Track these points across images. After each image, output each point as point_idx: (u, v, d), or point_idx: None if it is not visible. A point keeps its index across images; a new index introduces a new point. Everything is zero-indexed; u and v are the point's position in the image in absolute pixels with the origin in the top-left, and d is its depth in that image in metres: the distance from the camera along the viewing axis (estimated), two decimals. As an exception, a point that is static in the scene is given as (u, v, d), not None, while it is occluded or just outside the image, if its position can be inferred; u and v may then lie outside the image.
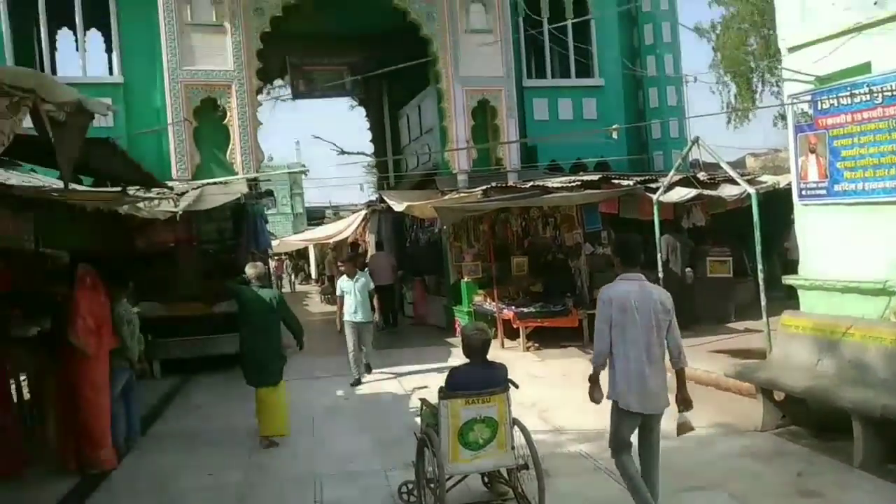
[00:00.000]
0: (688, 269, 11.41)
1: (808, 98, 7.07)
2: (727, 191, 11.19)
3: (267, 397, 6.55)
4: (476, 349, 4.54)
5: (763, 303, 7.65)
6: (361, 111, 19.80)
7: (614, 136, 12.39)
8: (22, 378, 6.84)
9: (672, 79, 15.78)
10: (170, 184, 10.08)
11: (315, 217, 33.69)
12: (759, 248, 7.80)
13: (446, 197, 12.11)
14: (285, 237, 30.23)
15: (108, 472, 5.89)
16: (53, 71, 12.09)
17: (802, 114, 7.15)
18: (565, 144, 14.12)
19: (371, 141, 19.01)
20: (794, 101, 7.27)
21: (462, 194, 12.07)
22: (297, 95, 16.13)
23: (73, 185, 6.42)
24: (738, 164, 15.56)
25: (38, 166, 6.73)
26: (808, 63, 7.22)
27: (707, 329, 10.55)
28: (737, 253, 12.10)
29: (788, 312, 6.78)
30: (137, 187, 6.48)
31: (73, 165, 4.35)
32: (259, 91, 14.15)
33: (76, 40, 12.13)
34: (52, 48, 12.54)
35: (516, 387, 4.54)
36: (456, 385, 4.42)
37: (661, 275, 9.69)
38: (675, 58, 15.89)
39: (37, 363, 6.36)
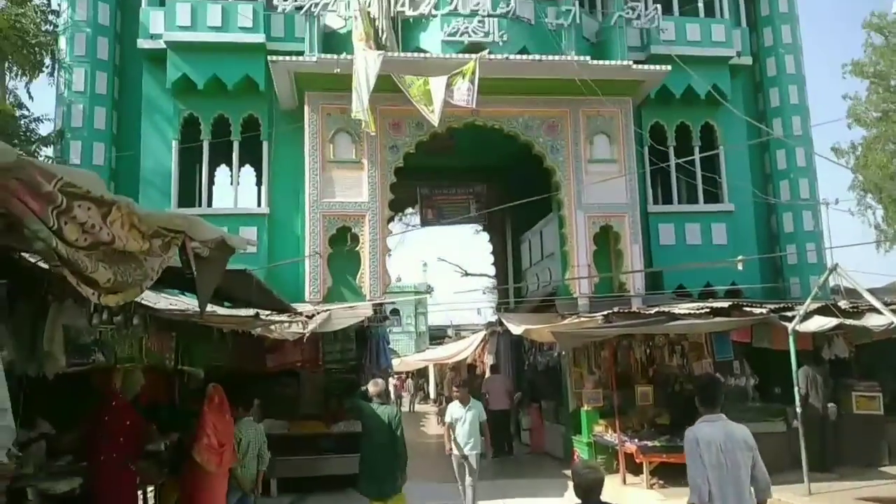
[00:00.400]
0: (830, 405, 10.44)
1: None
2: (873, 321, 10.29)
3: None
4: (587, 489, 4.32)
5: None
6: (485, 235, 20.39)
7: (739, 267, 11.88)
8: (149, 489, 7.25)
9: (808, 203, 15.18)
10: (301, 306, 10.80)
11: (437, 337, 34.20)
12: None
13: (566, 321, 11.99)
14: (407, 356, 30.77)
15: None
16: (210, 203, 13.59)
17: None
18: (693, 270, 13.73)
19: (493, 264, 19.42)
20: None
21: (582, 319, 11.90)
22: (425, 223, 16.96)
23: (212, 308, 7.05)
24: (889, 291, 14.39)
25: (185, 291, 7.42)
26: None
27: (854, 472, 9.53)
28: (888, 387, 10.97)
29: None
30: (269, 312, 6.98)
31: (209, 296, 4.83)
32: (390, 220, 15.06)
33: (231, 176, 13.61)
34: (211, 183, 14.13)
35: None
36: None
37: (798, 409, 8.94)
38: (810, 182, 15.38)
39: (163, 476, 6.75)
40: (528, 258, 16.92)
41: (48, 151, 13.16)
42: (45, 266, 3.92)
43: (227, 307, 7.80)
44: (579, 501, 4.37)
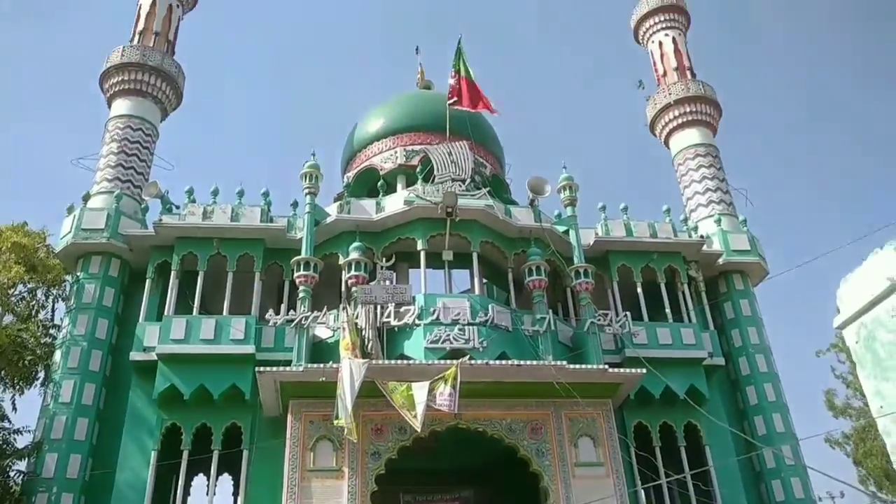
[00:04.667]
0: None
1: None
2: None
3: None
4: None
5: None
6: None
7: None
8: None
9: (804, 501, 14.71)
10: None
11: None
12: None
13: None
14: None
15: None
16: (182, 517, 12.96)
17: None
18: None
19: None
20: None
21: None
22: (408, 534, 15.99)
23: None
24: None
25: None
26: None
27: None
28: None
29: None
30: None
31: None
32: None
33: (208, 486, 13.18)
34: (186, 494, 13.61)
35: None
36: None
37: None
38: (803, 481, 15.06)
39: None
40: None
41: (21, 466, 12.84)
42: None
43: None
44: None
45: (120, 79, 17.75)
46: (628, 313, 14.96)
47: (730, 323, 16.96)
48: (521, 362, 13.03)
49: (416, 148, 18.27)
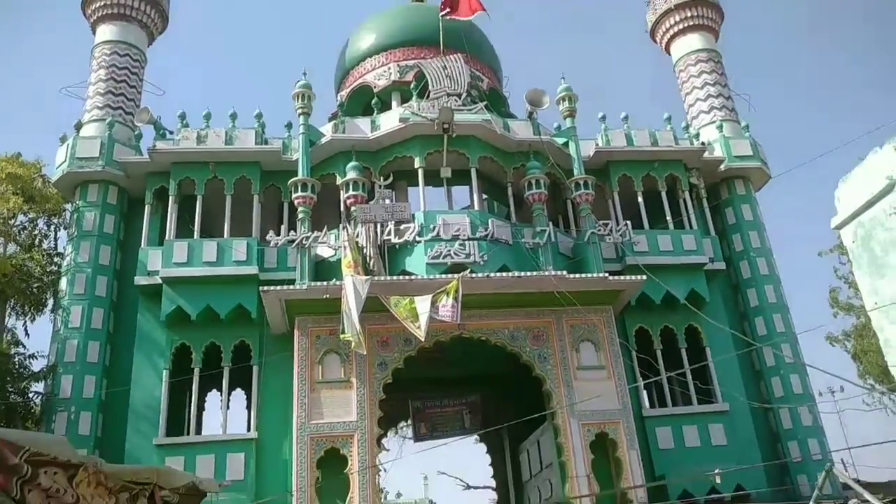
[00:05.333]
0: None
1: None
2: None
3: None
4: None
5: None
6: (483, 445, 19.81)
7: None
8: None
9: (801, 396, 15.11)
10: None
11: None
12: None
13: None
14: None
15: None
16: (199, 431, 13.50)
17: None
18: (698, 475, 13.28)
19: (493, 476, 18.67)
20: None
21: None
22: (418, 438, 16.60)
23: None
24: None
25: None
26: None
27: None
28: None
29: None
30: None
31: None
32: (383, 436, 14.79)
33: (221, 400, 13.62)
34: (201, 410, 14.11)
35: None
36: None
37: None
38: (801, 377, 15.40)
39: None
40: (528, 470, 16.34)
41: (39, 387, 13.29)
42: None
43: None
44: None
45: (103, 3, 17.25)
46: (629, 222, 14.99)
47: (731, 228, 16.99)
48: (522, 273, 13.18)
49: (410, 63, 17.89)
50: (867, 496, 8.07)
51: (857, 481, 11.70)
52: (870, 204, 9.21)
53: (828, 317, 22.68)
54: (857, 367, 21.95)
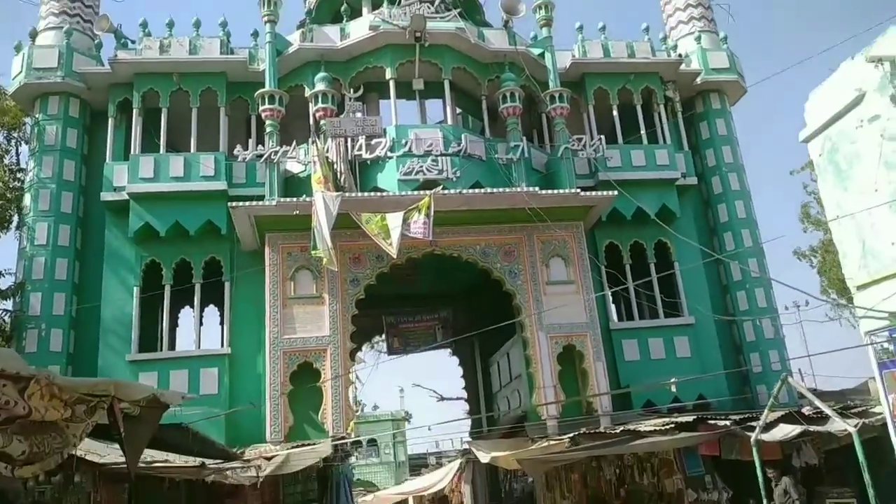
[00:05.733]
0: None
1: (886, 335, 6.81)
2: (837, 425, 10.31)
3: None
4: None
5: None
6: (455, 359, 20.31)
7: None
8: None
9: (765, 309, 15.50)
10: (262, 447, 10.58)
11: (418, 466, 32.97)
12: (871, 492, 7.03)
13: (534, 445, 11.82)
14: (384, 490, 29.25)
15: None
16: (172, 346, 13.62)
17: (884, 350, 6.84)
18: (661, 385, 13.76)
19: (464, 388, 19.23)
20: (872, 338, 7.00)
21: (551, 442, 11.76)
22: (392, 352, 16.91)
23: (165, 456, 6.91)
24: (861, 391, 14.46)
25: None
26: (877, 300, 7.07)
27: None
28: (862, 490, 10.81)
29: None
30: (218, 461, 6.87)
31: (140, 452, 4.81)
32: (357, 350, 15.05)
33: (194, 317, 13.68)
34: (174, 326, 14.18)
35: None
36: None
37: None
38: (766, 291, 15.75)
39: None
40: (498, 381, 16.84)
41: (7, 305, 13.21)
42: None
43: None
44: None
45: None
46: (602, 137, 14.88)
47: (704, 143, 16.93)
48: (493, 190, 13.13)
49: (381, -34, 17.09)
50: (818, 403, 8.42)
51: (812, 390, 12.26)
52: (838, 116, 9.10)
53: (800, 234, 23.11)
54: (820, 282, 22.55)
